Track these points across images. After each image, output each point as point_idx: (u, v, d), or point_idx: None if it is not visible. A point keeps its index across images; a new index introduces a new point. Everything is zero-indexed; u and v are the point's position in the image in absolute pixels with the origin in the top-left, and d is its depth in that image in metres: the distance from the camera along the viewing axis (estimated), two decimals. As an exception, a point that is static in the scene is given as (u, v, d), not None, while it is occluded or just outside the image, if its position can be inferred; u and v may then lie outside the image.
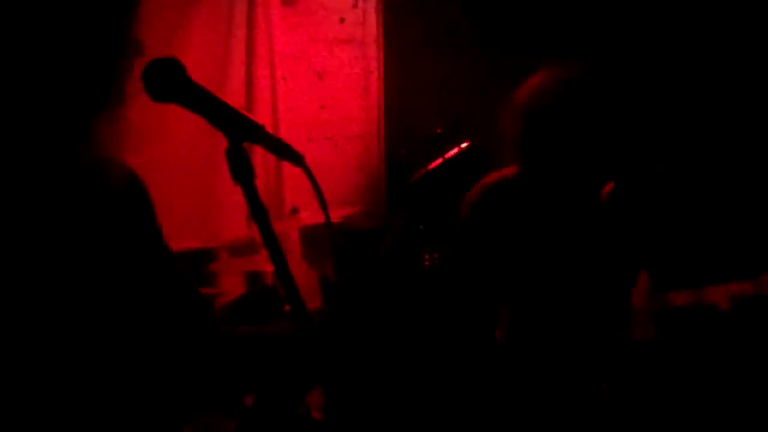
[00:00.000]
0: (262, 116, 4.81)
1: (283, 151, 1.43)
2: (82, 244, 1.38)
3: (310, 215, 4.44)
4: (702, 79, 4.19)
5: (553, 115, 2.64)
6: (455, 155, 1.55)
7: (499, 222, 2.76)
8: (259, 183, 4.55)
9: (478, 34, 5.01)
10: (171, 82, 1.31)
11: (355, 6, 5.34)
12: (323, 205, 1.44)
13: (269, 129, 1.39)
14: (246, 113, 1.38)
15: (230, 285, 4.49)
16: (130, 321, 1.38)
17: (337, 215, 4.61)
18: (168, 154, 4.61)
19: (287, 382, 1.53)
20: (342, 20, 5.30)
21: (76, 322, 1.33)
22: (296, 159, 1.43)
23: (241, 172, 1.34)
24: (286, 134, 4.93)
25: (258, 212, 1.36)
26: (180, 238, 4.62)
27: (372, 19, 5.36)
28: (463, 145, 1.55)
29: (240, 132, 1.34)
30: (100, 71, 1.35)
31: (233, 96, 4.78)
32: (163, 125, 4.38)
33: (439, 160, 1.56)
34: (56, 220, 1.37)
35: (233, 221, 4.67)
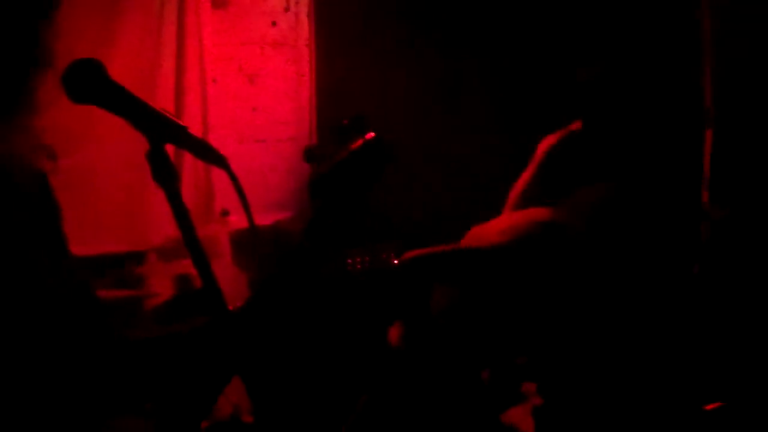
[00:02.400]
0: (192, 119, 4.76)
1: (206, 152, 1.42)
2: None
3: (241, 219, 4.42)
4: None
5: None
6: (360, 146, 1.56)
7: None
8: (189, 185, 4.54)
9: (411, 38, 5.04)
10: (89, 84, 1.29)
11: (287, 9, 5.33)
12: (246, 207, 1.44)
13: (199, 132, 1.40)
14: (168, 114, 1.37)
15: (159, 288, 4.44)
16: (24, 325, 1.36)
17: (268, 219, 4.60)
18: (96, 156, 4.56)
19: (197, 382, 1.53)
20: (274, 23, 5.28)
21: None
22: (219, 161, 1.43)
23: (162, 174, 1.34)
24: (216, 137, 4.89)
25: (180, 214, 1.36)
26: (108, 241, 4.57)
27: (304, 23, 5.35)
28: (368, 136, 1.56)
29: (161, 133, 1.33)
30: (7, 78, 1.33)
31: (163, 98, 4.73)
32: (91, 126, 4.33)
33: (345, 152, 1.56)
34: None
35: (162, 224, 4.63)
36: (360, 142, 1.56)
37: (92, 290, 1.57)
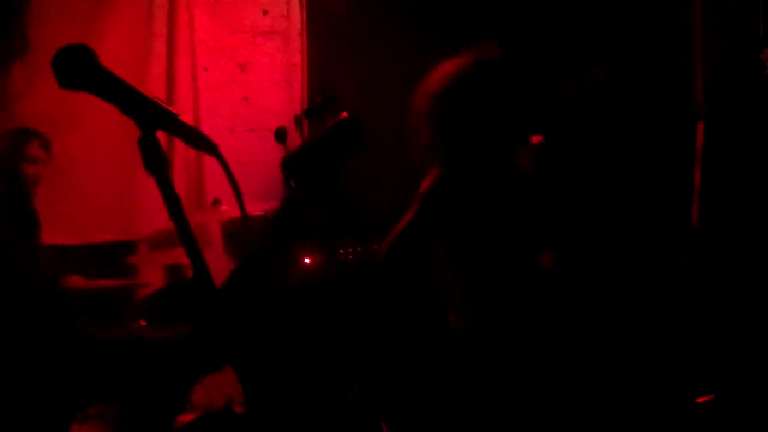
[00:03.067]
0: (183, 107, 4.75)
1: (197, 140, 1.41)
2: None
3: (233, 208, 4.40)
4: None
5: (463, 103, 2.65)
6: (333, 125, 1.57)
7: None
8: (181, 174, 4.50)
9: (402, 26, 5.02)
10: (80, 70, 1.28)
11: (278, -3, 5.32)
12: (238, 195, 1.43)
13: (190, 121, 1.38)
14: (159, 101, 1.35)
15: (150, 277, 4.42)
16: None
17: (258, 208, 4.58)
18: (86, 144, 4.54)
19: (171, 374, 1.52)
20: (265, 12, 5.27)
21: None
22: (211, 148, 1.41)
23: (154, 161, 1.32)
24: (207, 126, 4.88)
25: (171, 203, 1.35)
26: (99, 230, 4.55)
27: (296, 11, 5.33)
28: (341, 116, 1.57)
29: (152, 120, 1.32)
30: None
31: (154, 87, 4.72)
32: (80, 114, 4.31)
33: (318, 132, 1.58)
34: None
35: (154, 213, 4.61)
36: (332, 121, 1.56)
37: (59, 279, 1.57)
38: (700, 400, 3.06)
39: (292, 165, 1.54)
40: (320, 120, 1.60)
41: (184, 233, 1.35)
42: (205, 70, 5.04)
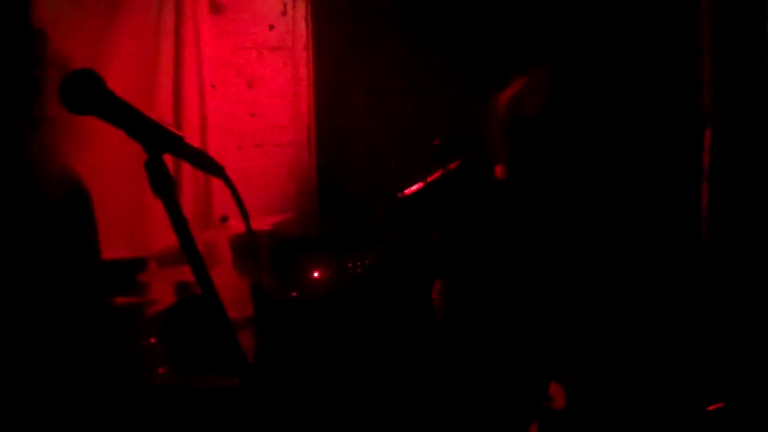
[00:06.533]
0: (190, 124, 4.76)
1: (203, 162, 1.42)
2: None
3: (240, 225, 4.41)
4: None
5: (540, 125, 2.68)
6: (456, 168, 1.56)
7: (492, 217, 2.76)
8: (188, 191, 4.50)
9: (408, 40, 5.04)
10: (86, 95, 1.29)
11: (284, 13, 5.33)
12: (244, 216, 1.44)
13: (197, 136, 1.40)
14: (166, 125, 1.37)
15: (160, 294, 4.43)
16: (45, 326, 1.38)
17: (267, 223, 4.60)
18: (95, 162, 4.53)
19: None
20: (271, 27, 5.29)
21: None
22: (217, 171, 1.43)
23: (161, 184, 1.33)
24: (215, 142, 4.88)
25: (178, 225, 1.36)
26: (108, 247, 4.55)
27: (301, 26, 5.36)
28: (465, 158, 1.56)
29: (159, 144, 1.33)
30: (18, 81, 1.34)
31: (161, 104, 4.73)
32: (90, 132, 4.32)
33: (438, 173, 1.56)
34: None
35: (163, 230, 4.62)
36: (455, 164, 1.56)
37: (108, 301, 1.60)
38: (710, 408, 3.06)
39: (407, 206, 1.54)
40: (438, 163, 1.59)
41: (191, 254, 1.37)
42: (213, 86, 5.05)
